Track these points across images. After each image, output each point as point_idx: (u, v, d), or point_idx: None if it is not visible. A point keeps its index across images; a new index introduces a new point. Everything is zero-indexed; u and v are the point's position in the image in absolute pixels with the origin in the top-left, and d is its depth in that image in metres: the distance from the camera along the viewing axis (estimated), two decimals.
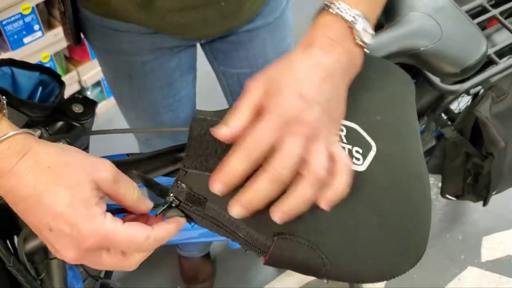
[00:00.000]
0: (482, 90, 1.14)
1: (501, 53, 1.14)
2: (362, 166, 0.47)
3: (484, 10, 1.19)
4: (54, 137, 0.51)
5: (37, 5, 1.49)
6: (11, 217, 0.65)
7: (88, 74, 1.80)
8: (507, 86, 1.10)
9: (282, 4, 0.95)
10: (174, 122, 1.03)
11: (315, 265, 0.43)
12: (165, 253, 1.53)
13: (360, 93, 0.53)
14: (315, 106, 0.43)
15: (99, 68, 1.80)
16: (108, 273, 0.83)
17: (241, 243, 0.44)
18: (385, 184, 0.47)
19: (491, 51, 1.11)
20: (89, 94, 1.93)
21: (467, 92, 1.08)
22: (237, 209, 0.42)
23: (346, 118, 0.48)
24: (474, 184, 1.31)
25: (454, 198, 1.40)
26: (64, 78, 1.71)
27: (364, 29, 0.48)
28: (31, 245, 0.62)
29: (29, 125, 0.52)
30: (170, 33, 0.84)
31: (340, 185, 0.42)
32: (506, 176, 1.24)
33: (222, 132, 0.43)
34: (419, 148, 0.53)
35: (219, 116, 0.46)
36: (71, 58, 1.82)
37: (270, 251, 0.43)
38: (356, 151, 0.47)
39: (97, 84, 1.91)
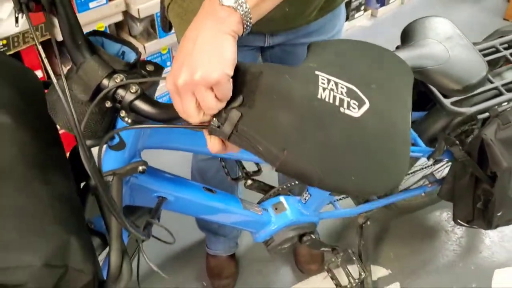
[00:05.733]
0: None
1: (510, 89, 1.28)
2: (357, 113, 0.62)
3: (496, 51, 1.34)
4: (132, 81, 0.69)
5: None
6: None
7: None
8: None
9: (336, 26, 1.12)
10: None
11: (311, 175, 0.58)
12: (194, 250, 1.68)
13: (364, 67, 0.69)
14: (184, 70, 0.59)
15: None
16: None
17: (260, 155, 0.60)
18: (373, 128, 0.62)
19: (499, 83, 1.26)
20: None
21: (475, 116, 1.22)
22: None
23: (347, 81, 0.64)
24: (484, 210, 1.41)
25: (466, 224, 1.50)
26: None
27: None
28: None
29: (111, 73, 0.70)
30: None
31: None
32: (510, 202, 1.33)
33: None
34: (406, 116, 0.68)
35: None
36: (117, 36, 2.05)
37: (281, 160, 0.58)
38: (353, 103, 0.63)
39: None
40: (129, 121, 0.73)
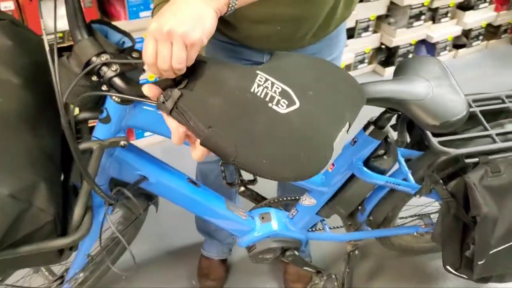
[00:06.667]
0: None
1: (507, 139, 1.30)
2: (284, 110, 0.71)
3: (502, 102, 1.37)
4: (114, 61, 0.82)
5: None
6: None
7: None
8: (504, 167, 1.25)
9: (333, 53, 1.22)
10: None
11: (228, 152, 0.69)
12: (191, 250, 1.78)
13: (311, 78, 0.78)
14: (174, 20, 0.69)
15: None
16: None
17: (191, 129, 0.70)
18: (295, 126, 0.70)
19: (493, 132, 1.29)
20: None
21: (462, 159, 1.25)
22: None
23: (285, 84, 0.74)
24: (472, 259, 1.40)
25: (454, 272, 1.49)
26: None
27: None
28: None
29: (100, 52, 0.83)
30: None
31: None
32: (498, 255, 1.33)
33: None
34: (336, 129, 0.76)
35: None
36: None
37: (205, 135, 0.69)
38: (283, 102, 0.72)
39: None
40: (115, 98, 0.86)
